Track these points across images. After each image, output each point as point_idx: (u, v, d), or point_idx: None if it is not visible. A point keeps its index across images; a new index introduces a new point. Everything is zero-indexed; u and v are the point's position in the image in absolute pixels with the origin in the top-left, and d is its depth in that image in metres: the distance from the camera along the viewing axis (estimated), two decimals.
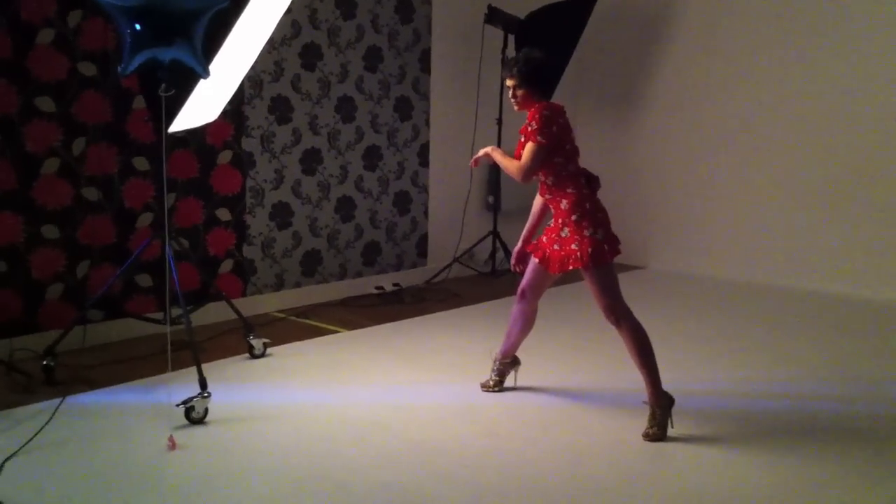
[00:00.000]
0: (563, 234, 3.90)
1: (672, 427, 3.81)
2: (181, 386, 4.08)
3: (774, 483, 3.38)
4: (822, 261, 6.93)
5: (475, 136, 7.08)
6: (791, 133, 7.08)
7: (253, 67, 5.37)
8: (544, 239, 4.04)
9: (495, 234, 7.33)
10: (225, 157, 5.69)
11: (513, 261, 4.26)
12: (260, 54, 4.59)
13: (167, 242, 4.26)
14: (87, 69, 4.94)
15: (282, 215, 6.08)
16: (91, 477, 3.35)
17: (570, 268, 3.87)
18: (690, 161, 7.70)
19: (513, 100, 3.99)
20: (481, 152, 4.08)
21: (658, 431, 3.77)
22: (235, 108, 5.68)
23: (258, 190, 5.91)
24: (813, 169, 6.98)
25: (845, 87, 6.76)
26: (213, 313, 5.41)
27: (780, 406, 4.28)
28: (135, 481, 3.32)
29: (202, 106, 4.31)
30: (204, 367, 4.10)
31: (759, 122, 7.25)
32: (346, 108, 6.44)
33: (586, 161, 4.11)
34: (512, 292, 4.52)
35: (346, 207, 6.53)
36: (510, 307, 4.35)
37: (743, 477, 3.43)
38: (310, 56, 6.13)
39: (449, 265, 7.18)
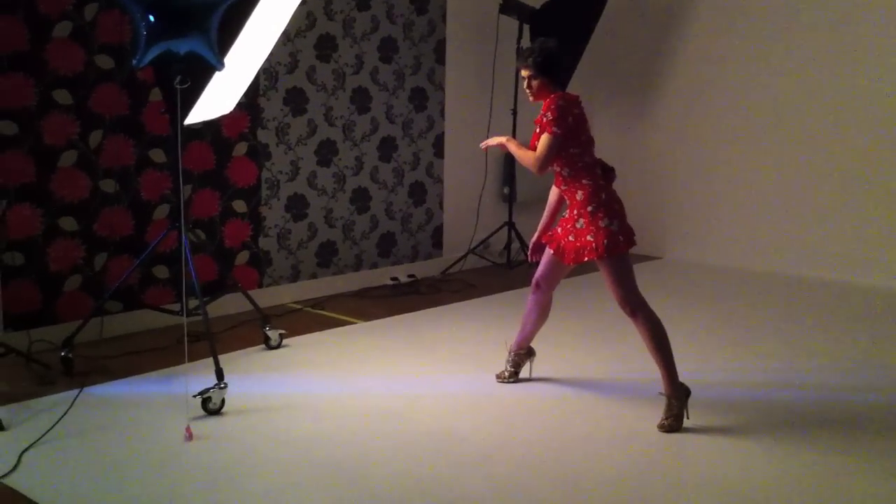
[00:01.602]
0: (578, 226, 3.88)
1: (688, 418, 3.81)
2: (198, 377, 4.10)
3: (791, 474, 3.37)
4: (840, 250, 6.89)
5: (490, 126, 7.06)
6: (812, 122, 7.03)
7: (268, 59, 5.37)
8: (559, 230, 4.04)
9: (511, 224, 7.33)
10: (241, 148, 5.71)
11: (529, 251, 4.29)
12: (275, 46, 4.59)
13: (183, 234, 4.27)
14: (104, 62, 4.96)
15: (297, 207, 6.10)
16: (108, 467, 3.37)
17: (585, 259, 3.87)
18: (707, 151, 7.66)
19: (528, 90, 3.98)
20: (494, 141, 4.08)
21: (673, 422, 3.77)
22: (251, 100, 5.69)
23: (274, 181, 5.92)
24: (833, 158, 6.94)
25: (864, 76, 6.72)
26: (229, 305, 5.43)
27: (797, 396, 4.26)
28: (151, 472, 3.34)
29: (218, 98, 4.32)
30: (220, 358, 4.12)
31: (778, 112, 7.20)
32: (361, 100, 6.44)
33: (601, 151, 4.10)
34: (527, 283, 4.52)
35: (361, 199, 6.54)
36: (525, 298, 4.35)
37: (759, 468, 3.42)
38: (325, 47, 6.13)
39: (464, 256, 7.19)
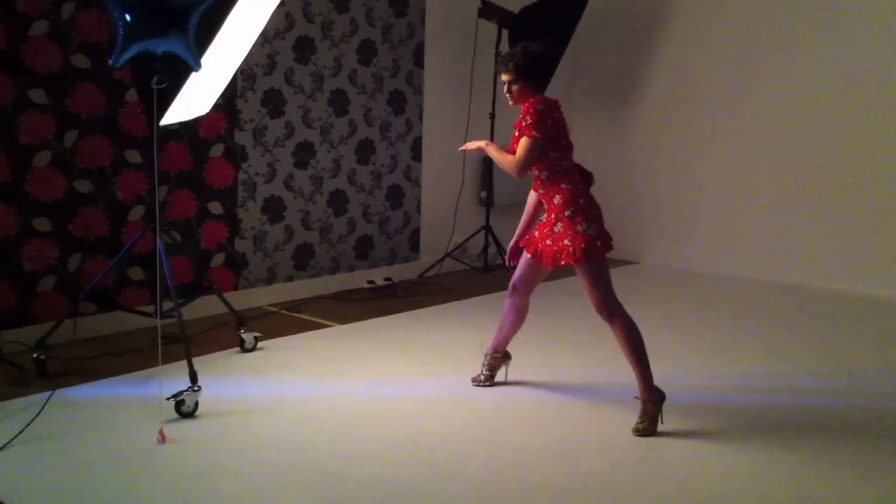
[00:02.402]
0: (556, 230, 3.90)
1: (662, 423, 3.82)
2: (172, 379, 4.08)
3: (766, 477, 3.39)
4: (815, 256, 6.94)
5: (468, 130, 7.07)
6: (785, 128, 7.09)
7: (246, 60, 5.36)
8: (536, 234, 4.05)
9: (488, 228, 7.34)
10: (218, 150, 5.68)
11: (507, 256, 4.29)
12: (253, 47, 4.58)
13: (158, 235, 4.25)
14: (81, 61, 4.92)
15: (274, 209, 6.08)
16: (81, 470, 3.34)
17: (563, 263, 3.89)
18: (683, 156, 7.70)
19: (508, 95, 3.99)
20: (473, 145, 4.08)
21: (648, 426, 3.78)
22: (228, 101, 5.67)
23: (250, 183, 5.90)
24: (806, 164, 7.00)
25: (840, 82, 6.77)
26: (204, 307, 5.40)
27: (772, 400, 4.29)
28: (125, 474, 3.31)
29: (195, 98, 4.30)
30: (195, 360, 4.10)
31: (752, 117, 7.25)
32: (339, 102, 6.43)
33: (579, 156, 4.11)
34: (504, 287, 4.52)
35: (338, 201, 6.53)
36: (502, 302, 4.35)
37: (733, 471, 3.44)
38: (303, 49, 6.12)
39: (441, 259, 7.19)
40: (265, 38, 5.83)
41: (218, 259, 5.79)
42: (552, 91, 5.02)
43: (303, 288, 6.31)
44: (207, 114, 4.77)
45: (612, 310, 3.86)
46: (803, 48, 6.93)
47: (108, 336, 5.11)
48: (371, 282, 6.58)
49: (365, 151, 6.67)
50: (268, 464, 3.43)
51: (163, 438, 3.59)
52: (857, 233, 6.75)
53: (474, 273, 7.28)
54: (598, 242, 3.83)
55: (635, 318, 3.88)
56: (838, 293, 6.64)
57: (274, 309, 5.93)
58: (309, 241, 6.35)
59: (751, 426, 3.95)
